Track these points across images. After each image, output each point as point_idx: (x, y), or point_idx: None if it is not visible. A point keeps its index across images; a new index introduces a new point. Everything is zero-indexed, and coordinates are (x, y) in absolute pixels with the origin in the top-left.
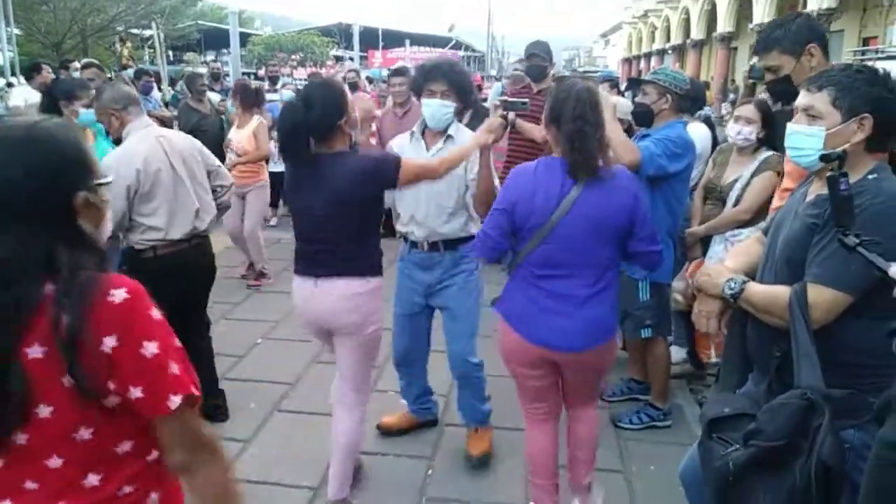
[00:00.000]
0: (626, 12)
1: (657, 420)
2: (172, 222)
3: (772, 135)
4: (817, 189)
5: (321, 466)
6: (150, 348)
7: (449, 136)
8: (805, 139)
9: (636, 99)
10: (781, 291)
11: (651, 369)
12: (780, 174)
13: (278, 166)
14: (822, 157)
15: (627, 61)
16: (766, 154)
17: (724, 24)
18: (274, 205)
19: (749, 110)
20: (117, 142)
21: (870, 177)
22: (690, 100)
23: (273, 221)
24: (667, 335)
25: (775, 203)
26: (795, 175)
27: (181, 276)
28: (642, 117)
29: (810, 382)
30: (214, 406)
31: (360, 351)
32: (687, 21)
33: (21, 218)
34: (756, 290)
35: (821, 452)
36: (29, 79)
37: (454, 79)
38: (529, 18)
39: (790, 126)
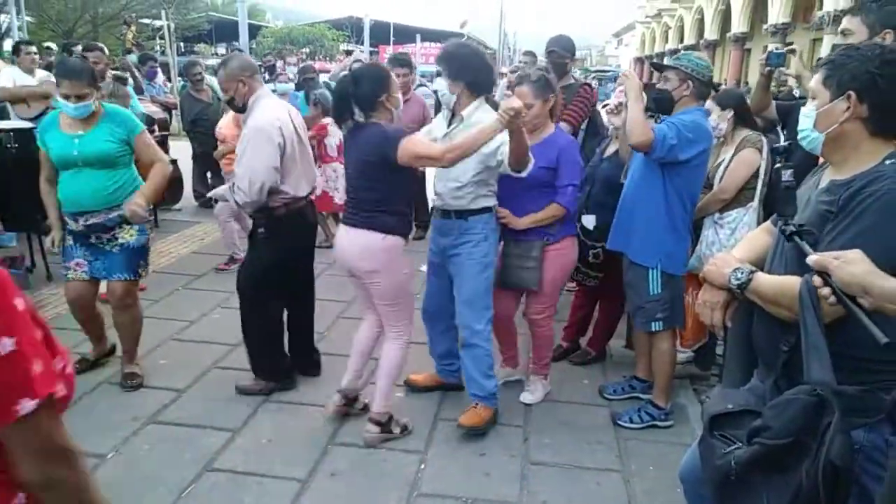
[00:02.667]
0: (640, 11)
1: (658, 420)
2: (299, 183)
3: (747, 118)
4: (831, 175)
5: (311, 458)
6: (7, 344)
7: (460, 117)
8: (804, 120)
9: (657, 85)
10: (791, 282)
11: (655, 364)
12: (760, 150)
13: None
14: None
15: (640, 61)
16: (744, 133)
17: (738, 25)
18: None
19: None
20: (242, 108)
21: (887, 162)
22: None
23: None
24: (680, 327)
25: None
26: None
27: (303, 230)
28: (662, 103)
29: (820, 378)
30: (314, 363)
31: (382, 295)
32: (701, 21)
33: None
34: (764, 280)
35: (829, 452)
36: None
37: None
38: (541, 16)
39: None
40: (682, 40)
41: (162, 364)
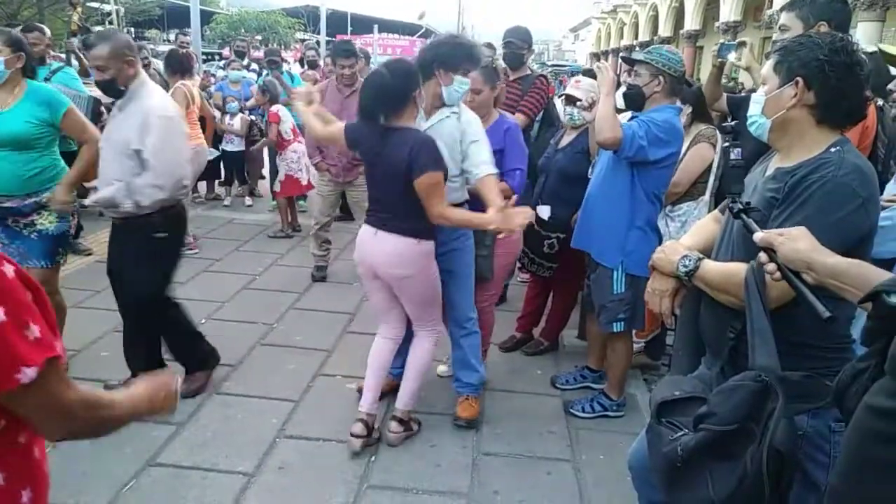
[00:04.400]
0: (596, 7)
1: (610, 410)
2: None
3: (704, 113)
4: (777, 163)
5: (259, 451)
6: None
7: (454, 112)
8: (753, 106)
9: (628, 80)
10: (738, 269)
11: (611, 361)
12: (714, 145)
13: (234, 146)
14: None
15: (596, 56)
16: (699, 127)
17: (691, 23)
18: (228, 183)
19: None
20: (120, 93)
21: (832, 149)
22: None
23: (227, 201)
24: (639, 329)
25: None
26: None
27: (186, 221)
28: (633, 100)
29: (765, 363)
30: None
31: (413, 299)
32: (655, 18)
33: None
34: (711, 267)
35: (773, 438)
36: None
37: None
38: (499, 10)
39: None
40: (636, 36)
41: (104, 356)
